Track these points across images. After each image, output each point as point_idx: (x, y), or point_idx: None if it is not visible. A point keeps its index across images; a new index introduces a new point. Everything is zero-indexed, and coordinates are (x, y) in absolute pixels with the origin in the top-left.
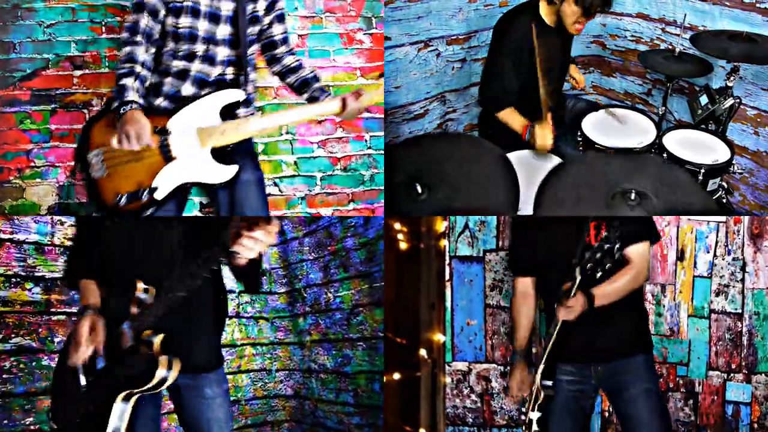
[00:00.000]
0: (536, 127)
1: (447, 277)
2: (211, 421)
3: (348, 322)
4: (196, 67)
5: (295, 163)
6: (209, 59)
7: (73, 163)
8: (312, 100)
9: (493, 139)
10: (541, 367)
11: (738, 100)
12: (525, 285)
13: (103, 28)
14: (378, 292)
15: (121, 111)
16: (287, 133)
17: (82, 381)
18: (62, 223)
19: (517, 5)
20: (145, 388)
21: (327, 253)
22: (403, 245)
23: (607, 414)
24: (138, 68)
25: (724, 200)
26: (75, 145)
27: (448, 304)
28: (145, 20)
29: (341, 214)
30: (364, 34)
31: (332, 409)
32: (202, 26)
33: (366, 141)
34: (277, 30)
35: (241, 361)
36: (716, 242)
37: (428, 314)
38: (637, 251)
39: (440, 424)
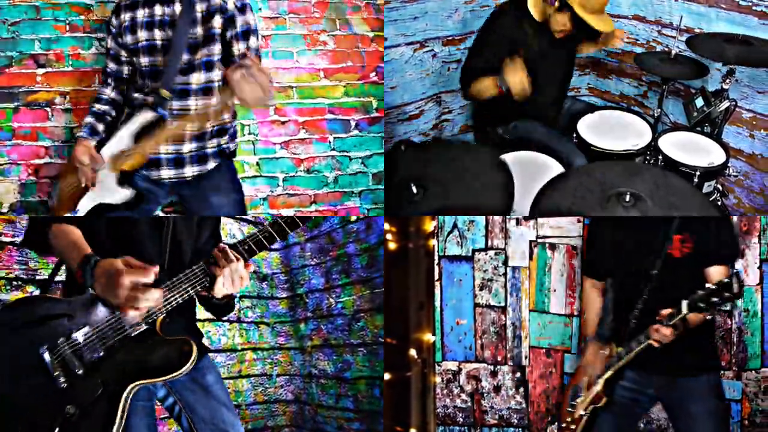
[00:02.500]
0: (506, 68)
1: (436, 276)
2: (222, 409)
3: (349, 327)
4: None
5: (258, 163)
6: (179, 92)
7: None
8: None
9: (488, 140)
10: (609, 374)
11: (733, 103)
12: (594, 283)
13: (67, 27)
14: (379, 297)
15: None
16: (249, 133)
17: (59, 376)
18: None
19: (504, 2)
20: (166, 377)
21: (329, 258)
22: (392, 245)
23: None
24: (96, 106)
25: (719, 203)
26: (38, 144)
27: (438, 303)
28: (111, 65)
29: (302, 215)
30: (328, 35)
31: (332, 414)
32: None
33: (330, 143)
34: (241, 46)
35: (242, 366)
36: None
37: (417, 314)
38: (718, 272)
39: (431, 424)
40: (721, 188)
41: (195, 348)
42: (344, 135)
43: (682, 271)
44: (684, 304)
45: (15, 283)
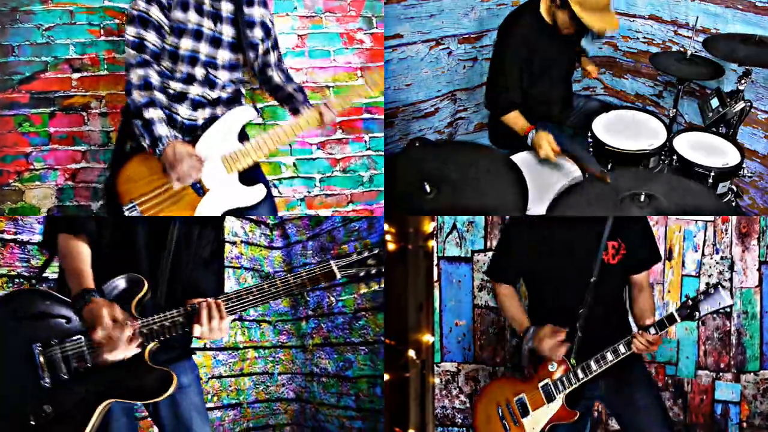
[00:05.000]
0: (538, 134)
1: (435, 277)
2: (190, 410)
3: (350, 326)
4: (195, 90)
5: (294, 164)
6: (210, 83)
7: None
8: (294, 111)
9: (502, 138)
10: (572, 388)
11: (749, 104)
12: (507, 287)
13: (102, 31)
14: (380, 296)
15: (160, 148)
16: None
17: (44, 375)
18: None
19: (517, 8)
20: (142, 400)
21: (330, 256)
22: (391, 246)
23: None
24: (157, 95)
25: (734, 203)
26: (74, 148)
27: (437, 304)
28: (152, 38)
29: (340, 215)
30: (365, 33)
31: (333, 413)
32: (204, 50)
33: (365, 142)
34: (273, 57)
35: (244, 364)
36: (704, 241)
37: (416, 315)
38: (647, 277)
39: (429, 425)
40: (735, 189)
41: (174, 381)
42: (380, 134)
43: (614, 277)
44: (675, 312)
45: (17, 280)
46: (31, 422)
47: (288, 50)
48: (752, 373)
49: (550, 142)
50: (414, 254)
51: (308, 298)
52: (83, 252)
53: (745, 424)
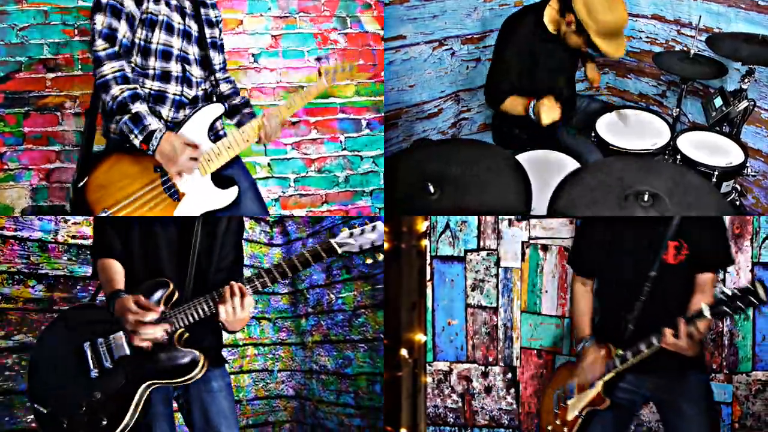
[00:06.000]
0: (541, 107)
1: (428, 276)
2: (219, 414)
3: (349, 323)
4: (173, 89)
5: (269, 164)
6: (186, 81)
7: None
8: (239, 124)
9: (506, 139)
10: (609, 376)
11: (752, 103)
12: (584, 282)
13: (76, 31)
14: (380, 294)
15: (154, 144)
16: None
17: (92, 367)
18: (66, 221)
19: (522, 8)
20: (176, 381)
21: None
22: (384, 245)
23: None
24: (138, 88)
25: (738, 203)
26: (48, 148)
27: (429, 303)
28: (123, 30)
29: (314, 215)
30: (339, 33)
31: (333, 410)
32: (177, 44)
33: (341, 142)
34: (219, 59)
35: (243, 361)
36: None
37: (409, 314)
38: (709, 279)
39: (421, 424)
40: (739, 188)
41: (202, 360)
42: (355, 134)
43: (675, 277)
44: (705, 308)
45: (17, 277)
46: (83, 407)
47: (262, 51)
48: (744, 374)
49: (549, 99)
50: (407, 253)
51: (308, 296)
52: (114, 267)
53: (737, 425)
